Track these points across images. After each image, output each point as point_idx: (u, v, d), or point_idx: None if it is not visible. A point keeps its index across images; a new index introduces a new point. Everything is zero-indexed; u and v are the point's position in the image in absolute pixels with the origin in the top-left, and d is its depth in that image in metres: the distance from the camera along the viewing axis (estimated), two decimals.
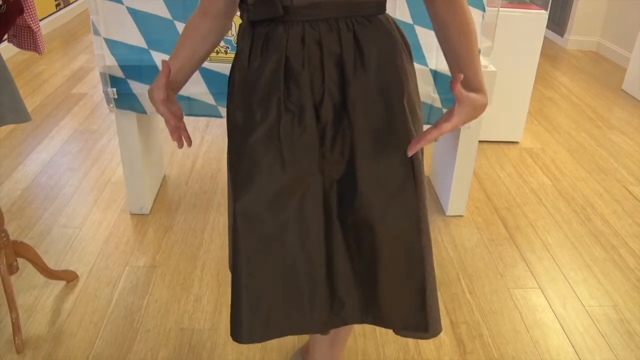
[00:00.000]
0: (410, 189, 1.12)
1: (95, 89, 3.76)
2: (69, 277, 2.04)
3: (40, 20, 4.86)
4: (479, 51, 1.95)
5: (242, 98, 1.12)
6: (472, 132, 2.33)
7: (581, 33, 5.18)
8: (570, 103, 3.92)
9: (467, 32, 1.07)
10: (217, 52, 2.08)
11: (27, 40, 1.83)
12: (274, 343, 1.81)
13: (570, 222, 2.53)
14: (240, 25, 1.16)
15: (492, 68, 2.24)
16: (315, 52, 1.05)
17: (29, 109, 3.35)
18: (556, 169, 2.99)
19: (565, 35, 5.30)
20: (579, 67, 4.73)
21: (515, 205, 2.64)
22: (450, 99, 2.18)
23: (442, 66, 2.10)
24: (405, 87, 1.10)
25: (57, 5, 5.22)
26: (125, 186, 2.44)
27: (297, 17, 1.04)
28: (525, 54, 3.03)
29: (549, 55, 4.97)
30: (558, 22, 5.41)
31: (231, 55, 2.09)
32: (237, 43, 1.17)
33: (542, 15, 2.97)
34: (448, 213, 2.53)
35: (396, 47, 1.09)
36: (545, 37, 3.17)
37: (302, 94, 1.05)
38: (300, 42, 1.04)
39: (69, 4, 5.50)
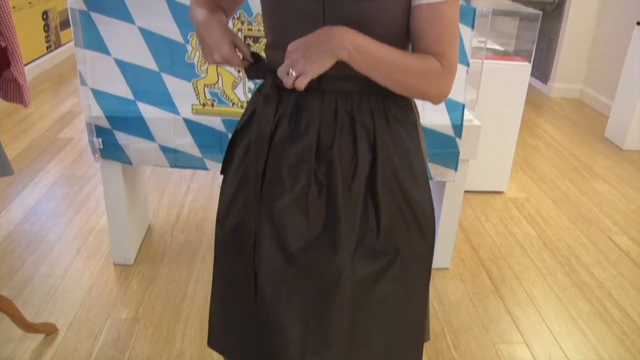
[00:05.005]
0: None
1: (82, 134, 3.75)
2: (48, 331, 2.00)
3: (31, 62, 4.89)
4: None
5: (267, 165, 1.10)
6: (458, 184, 2.34)
7: (564, 80, 5.28)
8: (554, 151, 3.96)
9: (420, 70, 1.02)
10: (204, 105, 2.10)
11: (14, 92, 1.83)
12: None
13: (555, 274, 2.53)
14: (259, 87, 1.15)
15: (476, 122, 2.26)
16: (346, 124, 1.05)
17: (15, 153, 3.34)
18: (541, 219, 3.01)
19: (549, 83, 5.40)
20: (562, 114, 4.81)
21: (500, 256, 2.65)
22: (436, 154, 2.18)
23: (430, 121, 2.11)
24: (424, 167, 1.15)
25: (47, 47, 5.25)
26: (109, 235, 2.42)
27: (331, 88, 1.04)
28: (509, 105, 3.07)
29: (534, 102, 5.05)
30: (542, 70, 5.52)
31: (219, 108, 2.10)
32: (252, 105, 1.15)
33: (526, 67, 3.04)
34: (433, 266, 2.51)
35: (417, 139, 1.13)
36: (529, 85, 3.23)
37: (332, 166, 1.05)
38: (334, 113, 1.05)
39: (60, 46, 5.54)
